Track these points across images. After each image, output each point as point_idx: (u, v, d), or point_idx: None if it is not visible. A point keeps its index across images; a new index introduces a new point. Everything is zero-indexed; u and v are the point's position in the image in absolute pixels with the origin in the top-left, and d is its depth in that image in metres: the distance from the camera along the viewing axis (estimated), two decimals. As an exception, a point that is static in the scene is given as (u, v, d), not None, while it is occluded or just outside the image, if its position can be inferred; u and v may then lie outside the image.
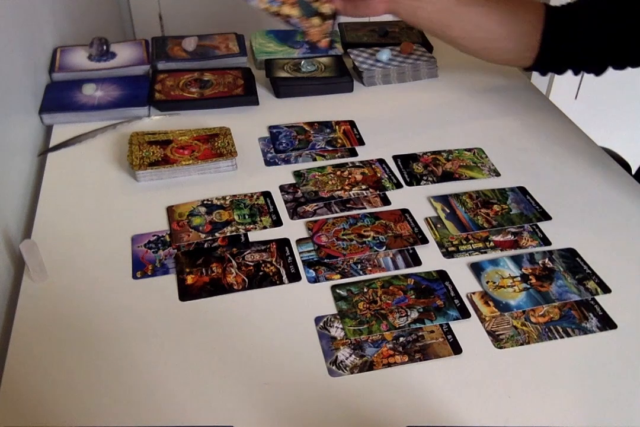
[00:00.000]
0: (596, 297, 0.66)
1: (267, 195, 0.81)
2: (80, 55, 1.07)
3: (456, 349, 0.61)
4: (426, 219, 0.77)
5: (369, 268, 0.70)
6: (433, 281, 0.68)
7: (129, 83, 1.01)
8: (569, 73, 0.92)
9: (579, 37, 0.86)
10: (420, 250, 0.72)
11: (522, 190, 0.82)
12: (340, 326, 0.63)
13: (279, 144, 0.91)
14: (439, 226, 0.76)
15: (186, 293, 0.67)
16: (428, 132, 0.95)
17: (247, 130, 0.94)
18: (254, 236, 0.74)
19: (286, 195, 0.81)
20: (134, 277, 0.69)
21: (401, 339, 0.62)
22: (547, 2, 0.91)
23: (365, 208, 0.79)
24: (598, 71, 0.89)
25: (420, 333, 0.62)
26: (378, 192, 0.82)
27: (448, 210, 0.78)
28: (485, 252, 0.72)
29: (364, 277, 0.69)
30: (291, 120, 0.96)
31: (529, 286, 0.68)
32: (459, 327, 0.63)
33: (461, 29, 0.88)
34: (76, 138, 0.91)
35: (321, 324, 0.63)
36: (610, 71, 0.89)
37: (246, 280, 0.68)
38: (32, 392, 0.57)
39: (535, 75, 0.98)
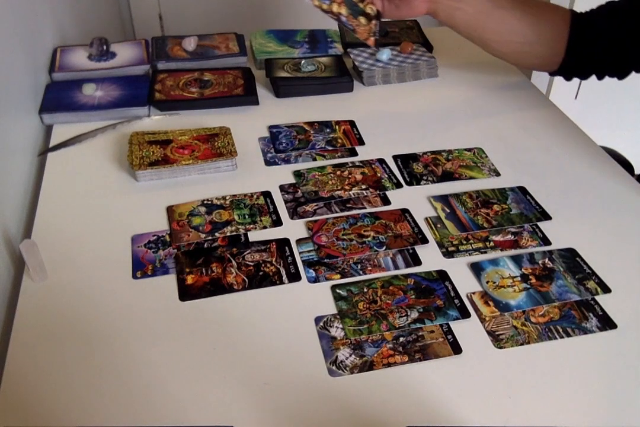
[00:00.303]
0: (596, 297, 0.66)
1: (267, 195, 0.81)
2: (80, 55, 1.07)
3: (456, 349, 0.61)
4: (426, 219, 0.77)
5: (369, 268, 0.70)
6: (433, 280, 0.68)
7: (129, 83, 1.01)
8: (589, 77, 0.93)
9: (603, 43, 0.88)
10: (420, 250, 0.72)
11: (522, 190, 0.82)
12: (340, 326, 0.63)
13: (279, 144, 0.91)
14: (439, 225, 0.76)
15: (186, 293, 0.67)
16: (428, 132, 0.95)
17: (247, 130, 0.94)
18: (254, 235, 0.74)
19: (286, 195, 0.81)
20: (134, 277, 0.69)
21: (401, 339, 0.62)
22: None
23: (365, 208, 0.79)
24: (621, 75, 0.90)
25: (420, 333, 0.62)
26: (378, 192, 0.82)
27: (448, 210, 0.78)
28: (485, 252, 0.72)
29: (364, 277, 0.69)
30: (291, 120, 0.96)
31: (529, 286, 0.68)
32: (459, 327, 0.63)
33: (495, 32, 0.90)
34: (76, 138, 0.91)
35: (321, 324, 0.63)
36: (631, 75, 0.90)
37: (246, 280, 0.68)
38: (32, 392, 0.57)
39: (535, 74, 0.98)
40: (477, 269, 0.70)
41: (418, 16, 0.88)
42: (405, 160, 0.88)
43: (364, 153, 0.90)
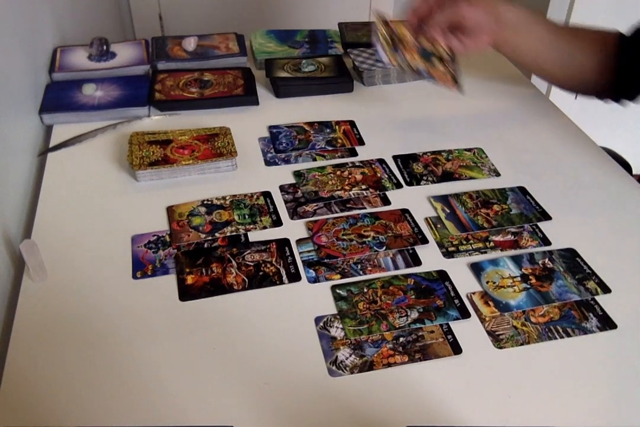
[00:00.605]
0: (596, 297, 0.66)
1: (267, 195, 0.81)
2: (80, 55, 1.07)
3: (456, 349, 0.61)
4: (426, 219, 0.77)
5: (369, 268, 0.70)
6: (433, 281, 0.68)
7: (129, 83, 1.01)
8: (636, 98, 0.93)
9: None
10: (420, 250, 0.72)
11: (522, 190, 0.82)
12: (340, 326, 0.63)
13: (279, 144, 0.91)
14: (439, 226, 0.76)
15: (186, 293, 0.67)
16: (428, 132, 0.95)
17: (247, 130, 0.94)
18: (254, 236, 0.74)
19: (286, 195, 0.81)
20: (134, 277, 0.69)
21: (401, 339, 0.62)
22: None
23: (365, 208, 0.79)
24: None
25: (420, 333, 0.62)
26: (378, 192, 0.82)
27: (448, 210, 0.78)
28: (485, 252, 0.72)
29: (364, 277, 0.69)
30: (291, 120, 0.96)
31: (529, 286, 0.68)
32: (459, 327, 0.63)
33: (549, 56, 0.89)
34: (76, 138, 0.91)
35: (321, 324, 0.63)
36: None
37: (246, 280, 0.68)
38: (32, 392, 0.57)
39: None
40: (477, 269, 0.70)
41: (482, 50, 0.85)
42: (405, 161, 0.88)
43: (364, 153, 0.90)
